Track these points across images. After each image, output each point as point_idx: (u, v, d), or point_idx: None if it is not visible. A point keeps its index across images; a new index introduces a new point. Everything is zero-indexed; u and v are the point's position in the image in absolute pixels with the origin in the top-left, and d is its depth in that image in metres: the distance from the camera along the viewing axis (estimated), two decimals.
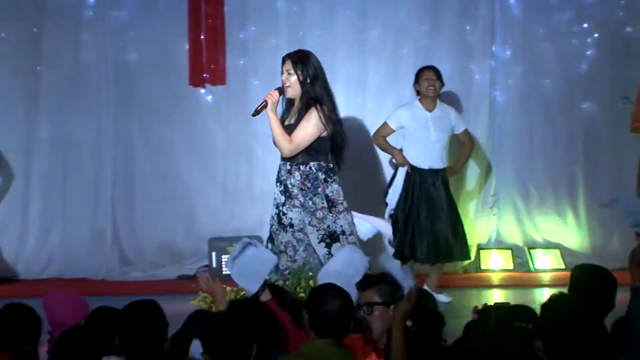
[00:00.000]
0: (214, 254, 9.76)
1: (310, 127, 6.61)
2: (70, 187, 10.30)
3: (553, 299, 4.60)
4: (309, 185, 6.65)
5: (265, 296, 5.38)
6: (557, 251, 10.04)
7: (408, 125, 8.91)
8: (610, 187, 9.92)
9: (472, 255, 9.74)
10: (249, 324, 4.36)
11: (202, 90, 10.25)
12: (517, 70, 10.21)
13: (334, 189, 6.68)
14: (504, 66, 10.19)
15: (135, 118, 10.31)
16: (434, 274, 8.95)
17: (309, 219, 6.64)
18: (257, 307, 4.93)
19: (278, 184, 6.77)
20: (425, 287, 8.18)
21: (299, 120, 6.65)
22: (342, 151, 6.73)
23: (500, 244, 10.21)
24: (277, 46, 10.04)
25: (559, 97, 10.19)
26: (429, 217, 8.84)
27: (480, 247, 10.09)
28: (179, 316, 5.16)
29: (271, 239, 6.77)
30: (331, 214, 6.63)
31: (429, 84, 8.87)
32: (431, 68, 8.96)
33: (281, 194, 6.73)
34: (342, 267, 5.47)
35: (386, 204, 8.89)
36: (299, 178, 6.66)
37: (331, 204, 6.64)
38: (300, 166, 6.67)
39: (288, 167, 6.72)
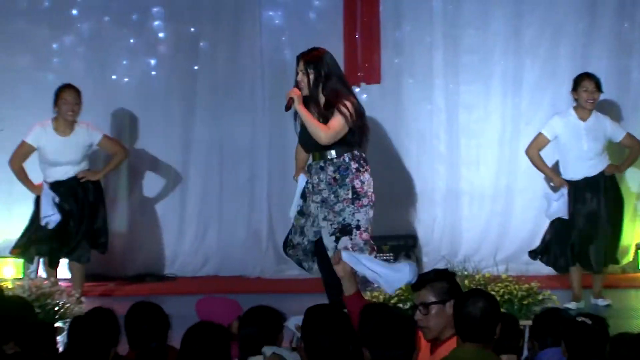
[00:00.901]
0: None
1: (343, 118, 6.85)
2: (226, 186, 10.37)
3: None
4: (337, 177, 6.88)
5: None
6: None
7: (561, 134, 8.67)
8: None
9: (624, 259, 9.61)
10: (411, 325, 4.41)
11: (357, 89, 10.25)
12: None
13: (365, 179, 6.91)
14: None
15: (290, 117, 10.30)
16: (596, 281, 8.78)
17: (325, 214, 6.87)
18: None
19: (309, 186, 7.03)
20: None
21: (320, 115, 6.90)
22: (364, 143, 7.01)
23: None
24: (432, 44, 10.05)
25: None
26: (587, 225, 8.61)
27: (638, 247, 9.97)
28: None
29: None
30: (352, 206, 6.83)
31: (588, 97, 8.51)
32: (592, 79, 8.55)
33: (308, 191, 7.02)
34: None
35: None
36: (331, 173, 6.89)
37: (356, 195, 6.85)
38: (335, 160, 6.90)
39: (321, 164, 6.95)
